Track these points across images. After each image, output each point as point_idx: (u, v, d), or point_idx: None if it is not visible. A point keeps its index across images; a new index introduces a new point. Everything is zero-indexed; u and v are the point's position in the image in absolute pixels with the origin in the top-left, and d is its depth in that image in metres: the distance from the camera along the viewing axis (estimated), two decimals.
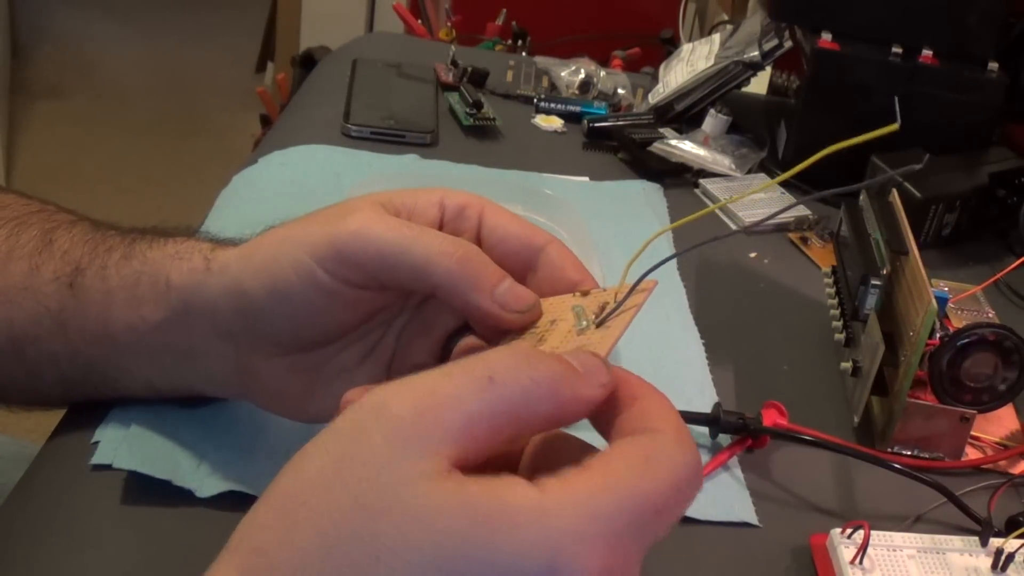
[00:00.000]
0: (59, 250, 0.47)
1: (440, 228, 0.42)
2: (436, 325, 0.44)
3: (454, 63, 0.93)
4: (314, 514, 0.29)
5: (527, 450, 0.35)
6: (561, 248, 0.42)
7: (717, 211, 0.79)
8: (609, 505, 0.29)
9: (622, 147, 0.85)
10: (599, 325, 0.37)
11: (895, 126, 0.33)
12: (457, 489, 0.28)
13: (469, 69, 0.92)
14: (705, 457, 0.53)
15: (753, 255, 0.74)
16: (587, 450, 0.33)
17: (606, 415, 0.33)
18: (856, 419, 0.57)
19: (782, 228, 0.78)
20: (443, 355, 0.44)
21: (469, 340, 0.41)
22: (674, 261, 0.70)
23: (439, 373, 0.31)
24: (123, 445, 0.47)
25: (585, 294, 0.40)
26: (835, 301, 0.66)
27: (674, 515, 0.31)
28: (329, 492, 0.29)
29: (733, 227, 0.77)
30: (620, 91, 0.94)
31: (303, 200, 0.71)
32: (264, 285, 0.41)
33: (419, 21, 1.31)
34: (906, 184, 0.74)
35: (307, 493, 0.29)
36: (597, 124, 0.87)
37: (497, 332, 0.40)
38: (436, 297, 0.41)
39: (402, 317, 0.45)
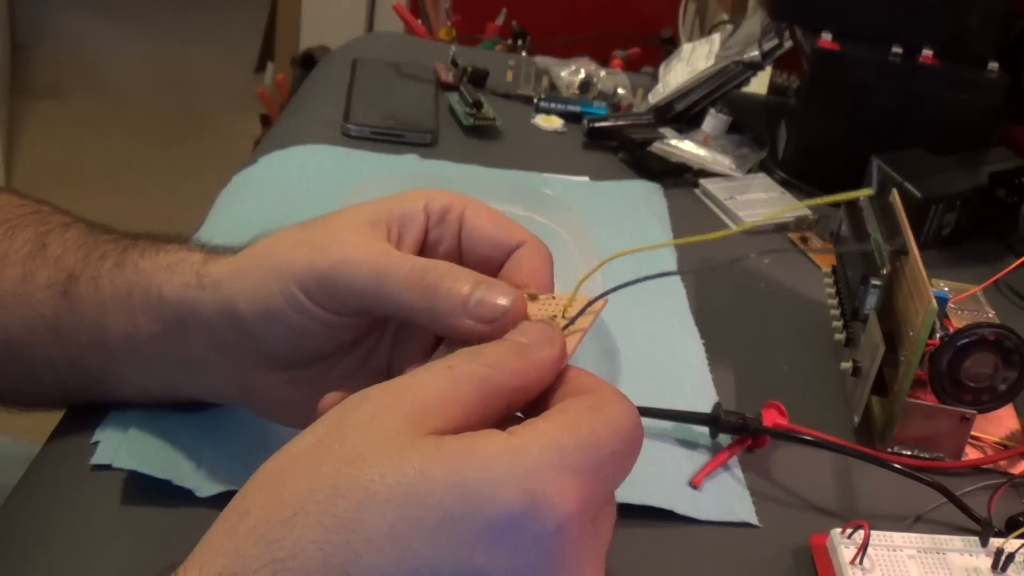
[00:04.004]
0: (52, 255, 0.47)
1: (426, 234, 0.43)
2: (423, 331, 0.44)
3: (454, 63, 0.93)
4: (300, 476, 0.30)
5: None
6: (530, 250, 0.42)
7: (717, 210, 0.79)
8: (573, 441, 0.31)
9: (622, 147, 0.85)
10: None
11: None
12: (434, 439, 0.30)
13: (469, 69, 0.92)
14: (705, 457, 0.53)
15: (753, 255, 0.74)
16: None
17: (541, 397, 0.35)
18: (856, 419, 0.57)
19: (782, 228, 0.78)
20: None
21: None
22: (675, 260, 0.70)
23: (408, 373, 0.33)
24: (123, 445, 0.47)
25: (533, 298, 0.39)
26: (835, 301, 0.66)
27: (626, 461, 0.33)
28: (314, 459, 0.31)
29: (734, 227, 0.77)
30: (620, 91, 0.94)
31: (303, 200, 0.71)
32: (256, 310, 0.41)
33: (419, 21, 1.31)
34: (906, 184, 0.74)
35: (294, 463, 0.31)
36: (597, 124, 0.87)
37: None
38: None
39: (392, 323, 0.45)
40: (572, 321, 0.37)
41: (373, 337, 0.44)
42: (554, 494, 0.29)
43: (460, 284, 0.38)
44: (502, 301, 0.37)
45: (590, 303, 0.37)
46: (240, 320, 0.41)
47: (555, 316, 0.38)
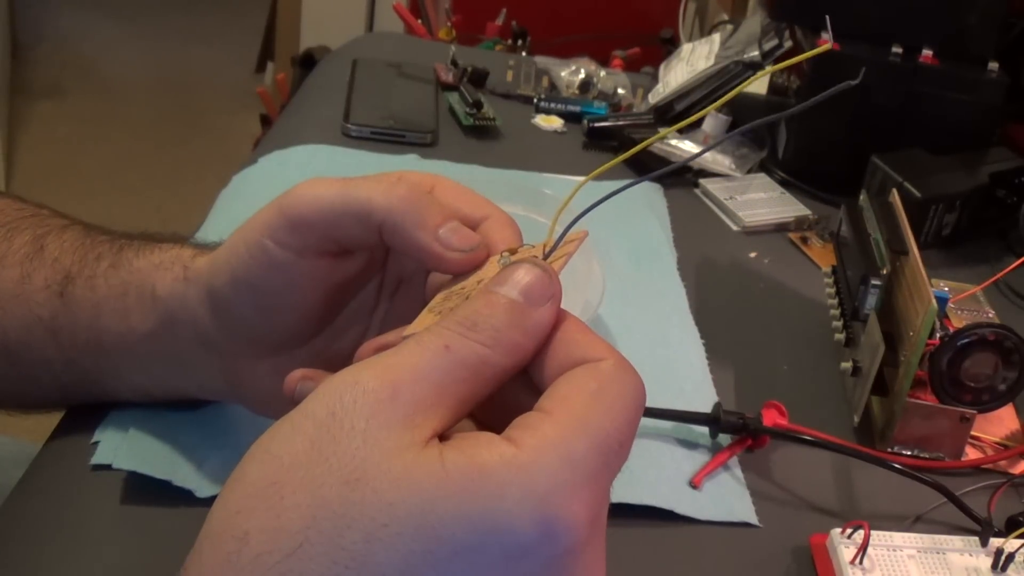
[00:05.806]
0: (50, 257, 0.47)
1: None
2: (410, 318, 0.44)
3: (454, 63, 0.93)
4: (299, 495, 0.29)
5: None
6: (498, 221, 0.40)
7: (717, 210, 0.79)
8: (583, 447, 0.29)
9: (622, 147, 0.85)
10: None
11: (828, 46, 0.33)
12: (438, 456, 0.29)
13: (469, 69, 0.92)
14: (705, 457, 0.53)
15: (753, 255, 0.74)
16: (528, 384, 0.33)
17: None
18: (856, 419, 0.57)
19: (782, 228, 0.78)
20: None
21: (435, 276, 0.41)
22: (674, 261, 0.70)
23: (400, 351, 0.31)
24: (123, 445, 0.47)
25: (513, 252, 0.38)
26: (835, 301, 0.66)
27: (631, 443, 0.31)
28: (312, 472, 0.29)
29: (734, 227, 0.77)
30: (620, 91, 0.94)
31: None
32: (226, 278, 0.41)
33: (419, 21, 1.31)
34: (906, 184, 0.74)
35: (288, 476, 0.29)
36: (597, 124, 0.87)
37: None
38: (384, 240, 0.39)
39: (379, 311, 0.44)
40: (552, 252, 0.36)
41: (358, 325, 0.44)
42: (567, 515, 0.29)
43: (436, 206, 0.38)
44: (469, 242, 0.38)
45: (564, 233, 0.36)
46: (215, 299, 0.41)
47: (536, 256, 0.36)
